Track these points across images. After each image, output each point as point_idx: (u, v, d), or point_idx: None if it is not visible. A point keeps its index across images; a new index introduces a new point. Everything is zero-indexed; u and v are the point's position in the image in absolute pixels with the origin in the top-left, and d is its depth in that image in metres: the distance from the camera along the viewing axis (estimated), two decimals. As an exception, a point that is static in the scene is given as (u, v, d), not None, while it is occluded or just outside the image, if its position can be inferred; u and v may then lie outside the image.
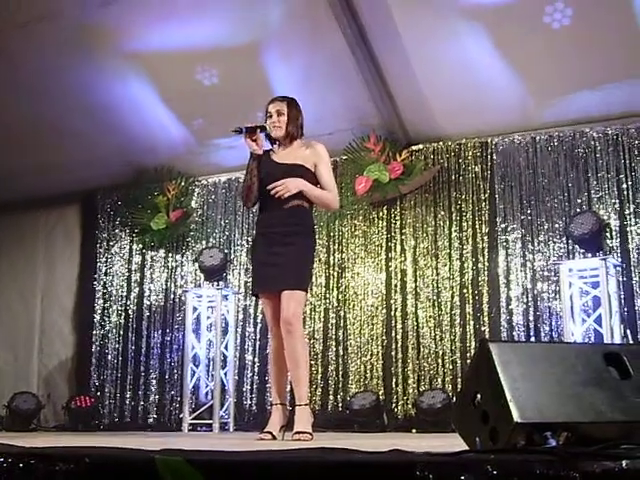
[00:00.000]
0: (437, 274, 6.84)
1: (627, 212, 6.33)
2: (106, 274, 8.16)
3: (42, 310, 8.40)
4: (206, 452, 1.96)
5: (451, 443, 2.39)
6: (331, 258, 7.23)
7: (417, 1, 5.91)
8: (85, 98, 6.96)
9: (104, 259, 8.21)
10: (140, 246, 8.09)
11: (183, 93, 6.93)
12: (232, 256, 7.60)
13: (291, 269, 4.13)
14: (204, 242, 7.79)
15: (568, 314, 6.05)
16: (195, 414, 6.93)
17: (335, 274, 7.20)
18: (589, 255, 6.15)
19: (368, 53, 6.27)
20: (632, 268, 6.21)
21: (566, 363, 2.21)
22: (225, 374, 7.05)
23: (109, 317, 8.02)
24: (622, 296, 6.15)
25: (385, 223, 7.13)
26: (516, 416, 1.99)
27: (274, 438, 4.12)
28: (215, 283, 7.28)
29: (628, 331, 6.00)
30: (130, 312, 7.95)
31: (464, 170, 6.96)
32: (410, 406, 6.58)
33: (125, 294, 8.03)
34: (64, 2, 6.10)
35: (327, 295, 7.17)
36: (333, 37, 6.10)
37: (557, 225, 6.54)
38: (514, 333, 6.48)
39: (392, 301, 6.94)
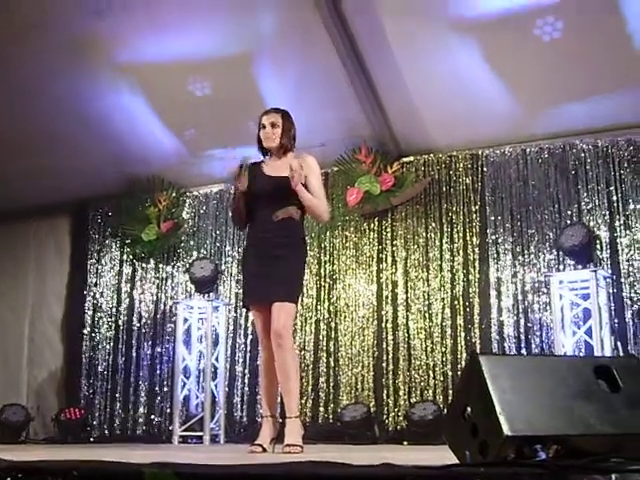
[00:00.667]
0: (428, 285, 6.85)
1: (617, 224, 6.35)
2: (96, 285, 8.13)
3: (32, 320, 8.35)
4: (196, 466, 1.95)
5: (442, 456, 2.39)
6: (322, 269, 7.23)
7: (408, 14, 5.93)
8: (77, 108, 6.95)
9: (94, 270, 8.18)
10: (131, 257, 8.06)
11: (175, 104, 6.94)
12: (223, 267, 7.59)
13: (281, 281, 4.13)
14: (195, 253, 7.78)
15: (559, 326, 6.06)
16: (185, 426, 6.90)
17: (326, 285, 7.20)
18: (579, 267, 6.17)
19: (359, 65, 6.29)
20: (622, 280, 6.22)
21: (556, 376, 2.22)
22: (216, 386, 7.02)
23: (99, 328, 7.98)
24: (612, 308, 6.17)
25: (376, 235, 7.14)
26: (506, 429, 2.00)
27: (265, 450, 4.10)
28: (206, 294, 7.26)
29: (619, 343, 6.01)
30: (120, 323, 7.92)
31: (455, 182, 6.98)
32: (401, 418, 6.58)
33: (115, 305, 7.99)
34: (58, 12, 6.08)
35: (318, 306, 7.16)
36: (325, 49, 6.12)
37: (547, 237, 6.56)
38: (505, 345, 6.49)
39: (383, 312, 6.93)
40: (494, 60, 6.13)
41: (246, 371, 7.28)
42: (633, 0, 5.52)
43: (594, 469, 1.70)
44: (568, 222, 6.44)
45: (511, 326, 6.52)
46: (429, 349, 6.70)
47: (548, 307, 6.34)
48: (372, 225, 7.16)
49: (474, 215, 6.85)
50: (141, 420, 7.58)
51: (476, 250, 6.77)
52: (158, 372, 7.64)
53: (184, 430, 6.86)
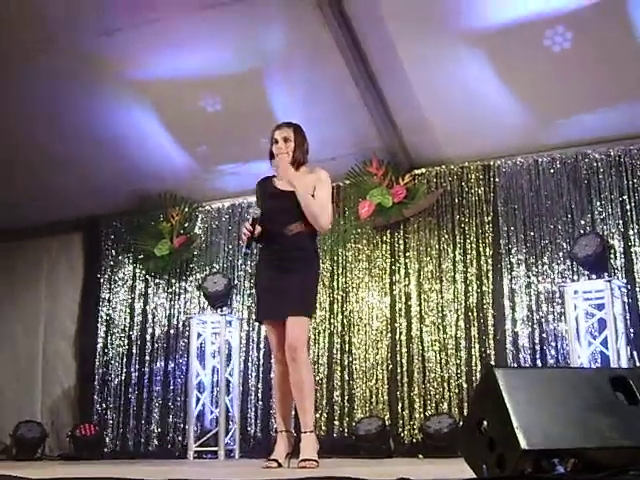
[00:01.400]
0: (442, 297, 6.82)
1: (631, 233, 6.32)
2: (109, 301, 8.14)
3: (45, 338, 8.37)
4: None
5: (459, 470, 2.37)
6: (335, 282, 7.21)
7: (418, 26, 5.94)
8: (89, 126, 7.00)
9: (107, 286, 8.20)
10: (143, 272, 8.08)
11: (186, 120, 6.97)
12: (236, 282, 7.59)
13: (295, 295, 4.11)
14: (208, 268, 7.78)
15: (574, 336, 6.02)
16: (200, 441, 6.89)
17: (339, 298, 7.19)
18: (594, 277, 6.14)
19: (370, 78, 6.30)
20: (637, 289, 6.17)
21: (573, 388, 2.20)
22: (230, 400, 7.01)
23: (112, 344, 7.99)
24: (628, 318, 6.12)
25: (389, 247, 7.13)
26: (523, 443, 1.98)
27: (280, 466, 4.08)
28: (219, 309, 7.27)
29: (635, 353, 5.97)
30: (133, 339, 7.93)
31: (467, 193, 6.96)
32: (416, 431, 6.54)
33: (128, 321, 8.01)
34: (68, 30, 6.13)
35: (331, 319, 7.15)
36: (335, 63, 6.13)
37: (561, 247, 6.52)
38: (520, 356, 6.44)
39: (397, 325, 6.91)
40: (504, 71, 6.12)
41: (260, 385, 7.26)
42: (643, 8, 5.51)
43: (613, 483, 1.68)
44: (582, 232, 6.41)
45: (526, 337, 6.48)
46: (443, 361, 6.67)
47: (563, 317, 6.30)
48: (385, 237, 7.15)
49: (487, 226, 6.83)
50: (155, 435, 7.56)
51: (489, 261, 6.75)
52: (171, 387, 7.63)
53: (199, 445, 6.85)
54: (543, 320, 6.46)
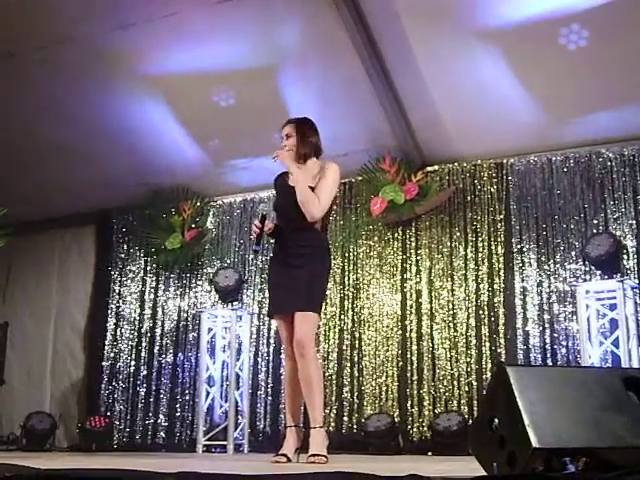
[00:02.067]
0: (453, 295, 6.81)
1: (644, 233, 6.29)
2: (120, 294, 8.18)
3: (55, 330, 8.43)
4: (221, 476, 1.95)
5: (468, 467, 2.37)
6: (346, 279, 7.22)
7: (432, 23, 5.93)
8: (102, 120, 7.03)
9: (118, 279, 8.24)
10: (154, 266, 8.10)
11: (199, 114, 6.99)
12: (247, 276, 7.60)
13: (303, 291, 4.11)
14: (219, 262, 7.80)
15: (585, 336, 6.00)
16: (209, 435, 6.90)
17: (350, 295, 7.19)
18: (606, 277, 6.11)
19: (384, 75, 6.29)
20: (649, 290, 6.15)
21: (585, 387, 2.19)
22: (240, 395, 7.03)
23: (122, 337, 8.03)
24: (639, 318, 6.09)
25: (400, 244, 7.12)
26: (534, 441, 1.97)
27: (289, 460, 4.09)
28: (230, 303, 7.28)
29: (646, 353, 5.94)
30: (143, 332, 7.96)
31: (480, 191, 6.95)
32: (426, 428, 6.53)
33: (139, 314, 8.04)
34: (81, 26, 6.16)
35: (342, 316, 7.15)
36: (349, 59, 6.13)
37: (573, 246, 6.50)
38: (530, 355, 6.43)
39: (407, 322, 6.91)
40: (519, 69, 6.10)
41: (269, 380, 7.28)
42: (660, 7, 5.48)
43: (625, 482, 1.68)
44: (594, 231, 6.39)
45: (537, 336, 6.46)
46: (454, 359, 6.66)
47: (574, 317, 6.28)
48: (396, 234, 7.15)
49: (499, 224, 6.81)
50: (163, 429, 7.59)
51: (501, 259, 6.73)
52: (180, 381, 7.66)
53: (208, 439, 6.87)
54: (554, 319, 6.43)
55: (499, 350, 6.53)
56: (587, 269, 6.39)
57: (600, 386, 2.20)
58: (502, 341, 6.55)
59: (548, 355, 6.38)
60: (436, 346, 6.75)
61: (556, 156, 6.73)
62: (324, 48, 6.22)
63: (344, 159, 6.61)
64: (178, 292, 7.96)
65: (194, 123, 7.12)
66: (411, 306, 6.93)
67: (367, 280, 7.16)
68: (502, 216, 6.82)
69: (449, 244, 6.93)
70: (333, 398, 6.94)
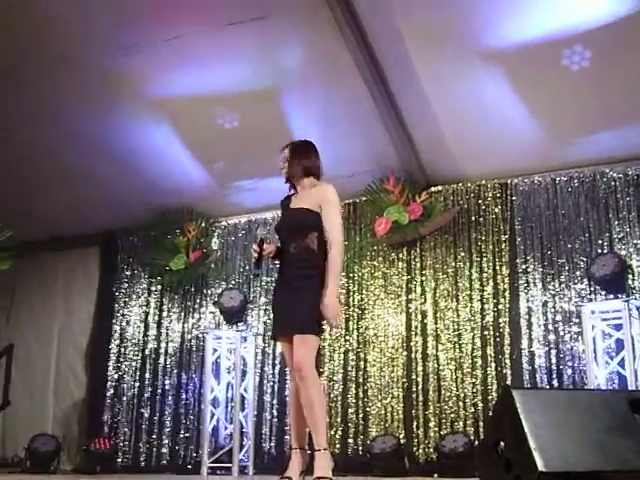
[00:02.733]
0: (458, 315, 6.79)
1: (649, 253, 6.28)
2: (124, 315, 8.18)
3: (58, 350, 8.43)
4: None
5: (474, 491, 2.35)
6: (351, 299, 7.20)
7: (435, 44, 5.95)
8: (106, 141, 7.06)
9: (122, 299, 8.23)
10: (159, 287, 8.10)
11: (204, 137, 7.02)
12: (251, 297, 7.59)
13: (301, 313, 4.08)
14: (223, 283, 7.80)
15: (591, 357, 5.97)
16: (214, 457, 6.87)
17: (355, 315, 7.17)
18: (611, 297, 6.09)
19: (387, 96, 6.31)
20: (655, 310, 6.12)
21: (591, 410, 2.18)
22: (244, 416, 7.00)
23: (125, 358, 8.01)
24: (646, 338, 6.06)
25: (405, 264, 7.11)
26: (540, 465, 1.97)
27: (294, 483, 4.06)
28: (234, 324, 7.27)
29: (653, 374, 5.90)
30: (147, 353, 7.94)
31: (484, 211, 6.95)
32: (432, 450, 6.49)
33: (143, 335, 8.03)
34: (86, 48, 6.20)
35: (347, 337, 7.13)
36: (352, 81, 6.15)
37: (578, 266, 6.49)
38: (536, 376, 6.39)
39: (412, 343, 6.88)
40: (522, 90, 6.12)
41: (274, 401, 7.25)
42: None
43: (632, 507, 1.67)
44: (599, 251, 6.38)
45: (542, 357, 6.43)
46: (459, 380, 6.63)
47: (580, 337, 6.25)
48: (401, 255, 7.14)
49: (503, 244, 6.80)
50: (167, 450, 7.56)
51: (506, 280, 6.72)
52: (184, 403, 7.63)
53: (213, 461, 6.84)
54: (560, 340, 6.41)
55: (505, 371, 6.50)
56: (592, 289, 6.37)
57: (606, 409, 2.19)
58: (508, 362, 6.52)
59: (554, 376, 6.35)
60: (441, 367, 6.72)
61: (560, 176, 6.73)
62: (327, 70, 6.25)
63: (349, 180, 6.64)
64: (182, 313, 7.95)
65: (198, 145, 7.15)
66: (416, 327, 6.91)
67: (372, 301, 7.14)
68: (507, 236, 6.81)
69: (454, 264, 6.93)
70: (338, 420, 6.91)
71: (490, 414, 6.19)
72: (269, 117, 6.63)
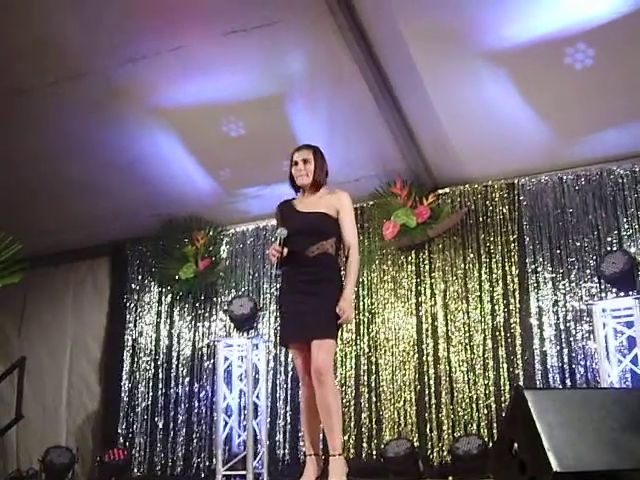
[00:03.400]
0: (468, 317, 6.78)
1: (659, 249, 6.26)
2: (135, 325, 8.19)
3: (70, 362, 8.44)
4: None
5: (489, 493, 2.35)
6: (361, 303, 7.20)
7: (438, 47, 5.96)
8: (113, 153, 7.09)
9: (133, 310, 8.25)
10: (169, 296, 8.12)
11: (210, 145, 7.03)
12: (262, 304, 7.60)
13: (319, 317, 4.10)
14: (233, 291, 7.81)
15: (603, 355, 5.94)
16: (228, 465, 6.87)
17: (365, 320, 7.17)
18: (622, 294, 6.07)
19: (391, 99, 6.31)
20: (667, 306, 6.09)
21: (604, 409, 2.18)
22: (257, 424, 7.00)
23: (138, 368, 8.03)
24: (658, 335, 6.04)
25: (414, 267, 7.11)
26: (555, 465, 1.96)
27: (309, 490, 4.07)
28: (245, 332, 7.28)
29: (666, 371, 5.88)
30: (159, 362, 7.96)
31: (492, 212, 6.94)
32: (446, 453, 6.48)
33: (154, 344, 8.04)
34: (91, 61, 6.23)
35: (358, 341, 7.13)
36: (357, 85, 6.16)
37: (588, 264, 6.47)
38: (549, 375, 6.37)
39: (424, 346, 6.87)
40: (526, 89, 6.12)
41: (288, 408, 7.25)
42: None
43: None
44: (608, 249, 6.36)
45: (554, 356, 6.42)
46: (471, 382, 6.62)
47: (591, 336, 6.23)
48: (410, 258, 7.14)
49: (512, 245, 6.79)
50: (182, 459, 7.56)
51: (515, 280, 6.71)
52: (197, 411, 7.64)
53: (227, 469, 6.83)
54: (572, 339, 6.39)
55: (517, 371, 6.49)
56: (603, 287, 6.35)
57: (619, 407, 2.19)
58: (520, 362, 6.51)
59: (566, 375, 6.32)
60: (453, 369, 6.71)
61: (567, 175, 6.72)
62: (331, 75, 6.26)
63: (355, 184, 6.65)
64: (193, 322, 7.96)
65: (205, 153, 7.16)
66: (427, 329, 6.91)
67: (382, 304, 7.14)
68: (515, 236, 6.80)
69: (463, 266, 6.92)
70: (352, 424, 6.91)
71: (503, 415, 6.18)
72: (274, 124, 6.65)
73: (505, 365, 6.54)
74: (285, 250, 4.21)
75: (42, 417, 8.34)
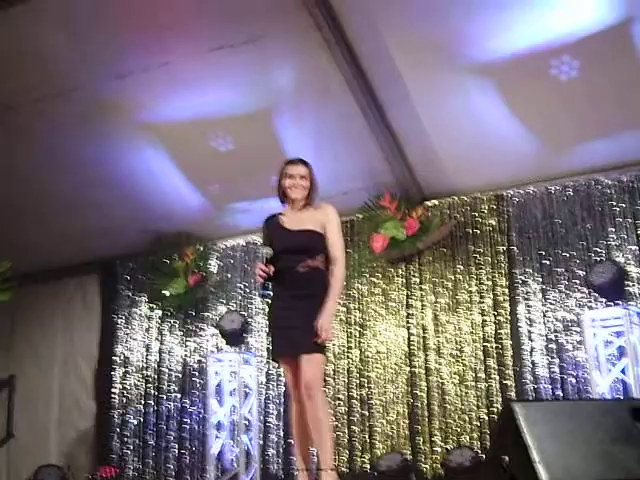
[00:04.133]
0: (459, 329, 6.79)
1: (647, 258, 6.28)
2: (125, 341, 8.15)
3: (60, 380, 8.39)
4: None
5: (481, 507, 2.35)
6: (351, 317, 7.19)
7: (425, 59, 5.99)
8: (101, 169, 7.08)
9: (124, 326, 8.22)
10: (159, 312, 8.09)
11: (198, 160, 7.04)
12: (252, 319, 7.58)
13: (308, 332, 4.08)
14: (223, 306, 7.78)
15: (593, 365, 5.96)
16: (220, 481, 6.84)
17: (356, 333, 7.16)
18: (611, 304, 6.09)
19: (378, 112, 6.34)
20: (656, 315, 6.12)
21: (593, 420, 2.18)
22: (249, 439, 6.97)
23: (129, 384, 7.99)
24: (647, 344, 6.06)
25: (404, 280, 7.11)
26: (545, 478, 1.96)
27: (301, 505, 4.04)
28: (236, 347, 7.26)
29: (656, 380, 5.89)
30: (150, 379, 7.92)
31: (480, 224, 6.96)
32: (439, 465, 6.46)
33: (145, 361, 8.00)
34: (79, 77, 6.25)
35: (349, 354, 7.12)
36: (344, 99, 6.18)
37: (577, 275, 6.49)
38: (540, 386, 6.38)
39: (415, 358, 6.87)
40: (512, 101, 6.15)
41: (280, 423, 7.21)
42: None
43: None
44: (597, 259, 6.38)
45: (545, 366, 6.42)
46: (463, 393, 6.61)
47: (581, 346, 6.25)
48: (399, 270, 7.14)
49: (501, 256, 6.81)
50: (173, 476, 7.52)
51: (505, 291, 6.72)
52: (188, 427, 7.60)
53: (219, 485, 6.81)
54: (562, 349, 6.40)
55: (508, 382, 6.49)
56: (592, 297, 6.37)
57: (608, 418, 2.19)
58: (510, 373, 6.51)
59: (557, 385, 6.33)
60: (444, 381, 6.70)
61: (555, 185, 6.74)
62: (318, 89, 6.28)
63: (344, 198, 6.65)
64: (184, 337, 7.93)
65: (193, 168, 7.16)
66: (417, 342, 6.90)
67: (372, 317, 7.13)
68: (504, 247, 6.82)
69: (452, 278, 6.92)
70: (344, 438, 6.88)
71: (494, 428, 6.18)
72: (262, 138, 6.66)
73: (496, 376, 6.54)
74: (272, 268, 4.18)
75: (32, 435, 8.27)
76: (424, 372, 6.80)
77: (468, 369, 6.65)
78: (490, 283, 6.78)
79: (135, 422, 7.84)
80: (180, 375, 7.81)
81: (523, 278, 6.68)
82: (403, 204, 7.02)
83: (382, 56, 5.98)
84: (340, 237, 4.33)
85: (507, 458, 2.13)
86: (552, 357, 6.41)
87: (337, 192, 6.44)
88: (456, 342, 6.76)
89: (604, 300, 6.21)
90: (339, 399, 7.00)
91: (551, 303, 6.53)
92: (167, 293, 7.88)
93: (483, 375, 6.58)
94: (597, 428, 2.17)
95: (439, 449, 6.56)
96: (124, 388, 7.99)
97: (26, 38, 5.95)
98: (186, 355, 7.85)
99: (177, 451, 7.57)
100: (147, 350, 8.03)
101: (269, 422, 7.24)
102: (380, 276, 7.19)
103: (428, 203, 7.12)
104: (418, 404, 6.74)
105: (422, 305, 6.98)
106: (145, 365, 7.98)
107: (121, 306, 8.30)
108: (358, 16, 5.78)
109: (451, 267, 6.95)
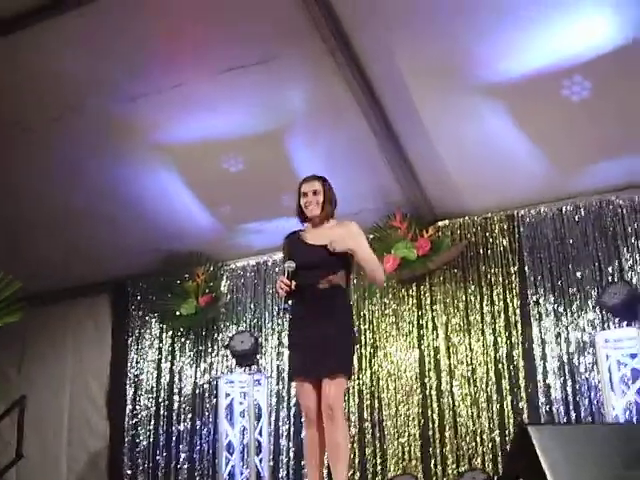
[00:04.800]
0: (471, 350, 6.75)
1: (660, 279, 6.24)
2: (137, 362, 8.15)
3: (71, 401, 8.38)
4: None
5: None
6: (362, 337, 7.16)
7: (436, 81, 6.01)
8: (114, 189, 7.13)
9: (134, 347, 8.21)
10: (170, 332, 8.08)
11: (210, 181, 7.07)
12: (263, 340, 7.57)
13: (331, 352, 4.01)
14: (234, 326, 7.77)
15: (607, 386, 5.90)
16: (231, 503, 6.80)
17: (367, 354, 7.13)
18: (624, 325, 6.05)
19: (390, 133, 6.35)
20: (670, 336, 6.06)
21: (608, 444, 2.16)
22: (260, 461, 6.93)
23: (140, 406, 7.97)
24: (661, 365, 6.01)
25: (415, 300, 7.08)
26: (560, 503, 1.94)
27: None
28: (247, 368, 7.24)
29: (671, 402, 5.84)
30: (161, 399, 7.90)
31: (492, 244, 6.94)
32: (451, 488, 6.42)
33: (156, 381, 7.99)
34: (94, 98, 6.31)
35: (360, 375, 7.08)
36: (355, 120, 6.20)
37: (590, 295, 6.45)
38: (553, 408, 6.32)
39: (426, 379, 6.83)
40: (524, 121, 6.15)
41: (291, 444, 7.17)
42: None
43: None
44: (609, 280, 6.34)
45: (558, 388, 6.37)
46: (475, 415, 6.56)
47: (595, 367, 6.20)
48: (410, 291, 7.12)
49: (513, 276, 6.78)
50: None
51: (517, 312, 6.68)
52: (198, 448, 7.57)
53: (230, 508, 6.77)
54: (575, 370, 6.35)
55: (521, 404, 6.43)
56: (605, 318, 6.32)
57: (623, 442, 2.17)
58: (523, 394, 6.46)
59: (571, 407, 6.26)
60: (457, 403, 6.66)
61: (566, 205, 6.72)
62: (330, 110, 6.30)
63: (355, 218, 6.54)
64: (195, 357, 7.92)
65: (205, 189, 7.19)
66: (429, 363, 6.86)
67: (384, 338, 7.11)
68: (516, 268, 6.79)
69: (464, 298, 6.90)
70: (356, 460, 6.84)
71: (507, 450, 6.13)
72: (274, 159, 6.68)
73: (509, 398, 6.50)
74: (293, 283, 4.15)
75: (43, 456, 8.26)
76: (436, 394, 6.76)
77: (480, 390, 6.60)
78: (502, 304, 6.75)
79: (146, 443, 7.82)
80: (191, 396, 7.78)
81: (535, 299, 6.64)
82: (414, 224, 7.01)
83: (394, 78, 6.01)
84: (367, 244, 4.32)
85: (521, 482, 2.11)
86: (565, 379, 6.36)
87: (348, 212, 6.40)
88: (468, 363, 6.72)
89: (617, 320, 6.16)
90: (351, 420, 6.96)
91: (564, 324, 6.49)
92: (178, 313, 7.88)
93: (496, 396, 6.53)
94: (611, 452, 2.14)
95: (451, 471, 6.50)
96: (135, 408, 7.98)
97: (43, 59, 6.03)
98: (197, 376, 7.83)
99: (188, 472, 7.54)
100: (158, 371, 8.02)
101: (280, 443, 7.20)
102: (391, 297, 7.17)
103: (439, 223, 7.11)
104: (430, 426, 6.69)
105: (434, 326, 6.95)
106: (156, 386, 7.97)
107: (132, 326, 8.29)
108: (370, 38, 5.81)
109: (462, 288, 6.92)
